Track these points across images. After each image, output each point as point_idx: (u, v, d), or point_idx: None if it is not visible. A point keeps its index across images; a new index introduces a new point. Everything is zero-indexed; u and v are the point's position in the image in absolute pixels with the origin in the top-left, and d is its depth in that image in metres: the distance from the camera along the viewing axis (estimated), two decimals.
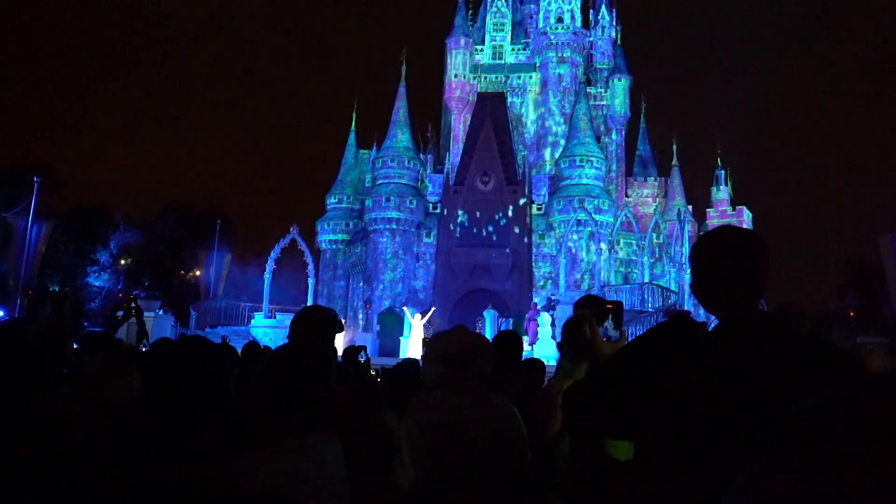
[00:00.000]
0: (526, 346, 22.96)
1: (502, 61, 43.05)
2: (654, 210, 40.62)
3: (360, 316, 37.46)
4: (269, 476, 2.09)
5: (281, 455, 2.18)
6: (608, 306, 2.63)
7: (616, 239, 35.19)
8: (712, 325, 1.92)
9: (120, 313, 23.02)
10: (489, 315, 30.50)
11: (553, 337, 23.13)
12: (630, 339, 2.26)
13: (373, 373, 8.01)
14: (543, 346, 22.60)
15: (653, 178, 43.36)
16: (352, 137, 43.27)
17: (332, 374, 2.40)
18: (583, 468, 2.14)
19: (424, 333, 28.23)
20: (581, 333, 2.56)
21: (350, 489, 2.41)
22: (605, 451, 2.36)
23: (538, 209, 37.13)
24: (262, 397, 2.34)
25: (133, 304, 21.49)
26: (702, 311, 28.86)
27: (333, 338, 3.79)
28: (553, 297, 26.79)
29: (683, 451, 1.62)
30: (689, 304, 31.38)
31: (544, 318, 23.53)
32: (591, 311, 2.61)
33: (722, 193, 42.23)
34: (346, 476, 2.37)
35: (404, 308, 31.35)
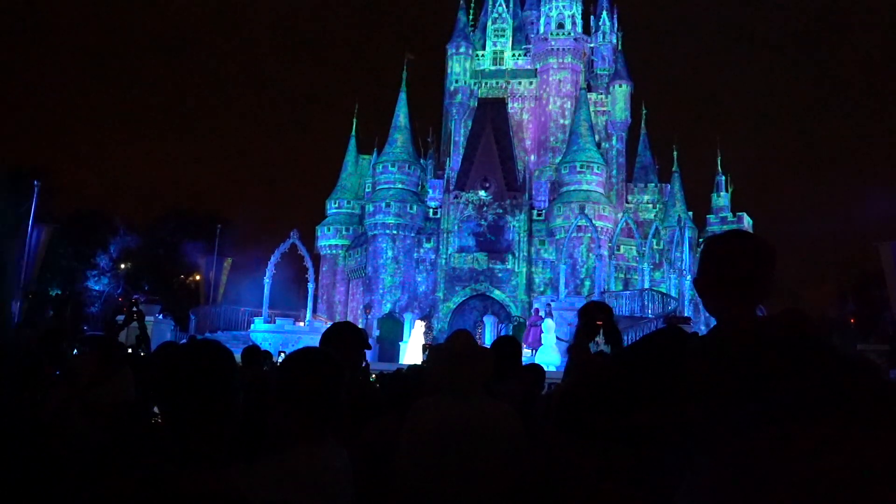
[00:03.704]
0: (526, 352, 22.95)
1: (503, 67, 43.09)
2: (655, 216, 40.63)
3: (361, 321, 37.45)
4: (274, 483, 2.07)
5: (288, 462, 2.16)
6: (598, 323, 2.66)
7: (616, 245, 35.18)
8: (710, 328, 1.95)
9: (121, 318, 22.95)
10: (489, 321, 30.48)
11: (558, 340, 23.07)
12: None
13: (372, 377, 7.99)
14: (545, 353, 22.55)
15: (653, 185, 43.34)
16: (352, 142, 43.28)
17: (343, 383, 2.39)
18: (571, 474, 2.13)
19: (424, 339, 28.24)
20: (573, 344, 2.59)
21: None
22: (595, 457, 2.35)
23: (538, 215, 37.12)
24: (275, 403, 2.33)
25: (135, 308, 21.41)
26: (702, 318, 28.81)
27: (362, 353, 3.86)
28: (551, 304, 26.77)
29: (674, 456, 1.62)
30: (688, 310, 31.38)
31: (548, 325, 23.50)
32: (582, 322, 2.63)
33: (722, 200, 42.23)
34: (352, 485, 2.36)
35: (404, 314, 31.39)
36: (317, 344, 3.48)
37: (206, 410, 2.00)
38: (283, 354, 14.51)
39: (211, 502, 1.86)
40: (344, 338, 3.73)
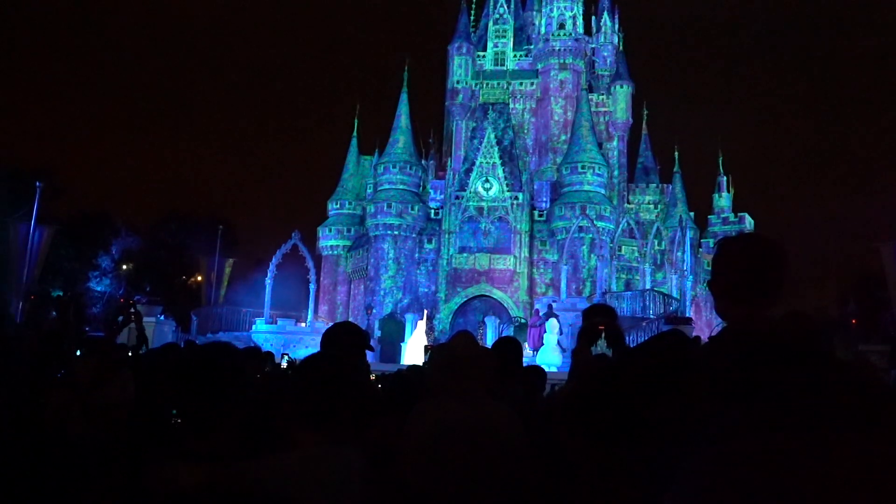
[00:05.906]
0: (528, 353, 22.92)
1: (504, 67, 43.11)
2: (656, 217, 40.62)
3: (362, 322, 37.42)
4: (282, 480, 2.11)
5: (298, 461, 2.20)
6: (600, 327, 2.68)
7: (618, 245, 35.16)
8: (717, 329, 1.96)
9: (121, 318, 22.97)
10: (491, 321, 30.45)
11: (558, 344, 23.04)
12: (630, 346, 2.28)
13: (372, 377, 7.98)
14: (546, 354, 22.52)
15: (654, 185, 43.35)
16: (353, 143, 43.27)
17: (360, 386, 2.43)
18: (575, 474, 2.14)
19: (426, 340, 28.24)
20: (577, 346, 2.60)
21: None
22: (600, 457, 2.36)
23: (540, 215, 37.11)
24: (290, 404, 2.37)
25: (133, 309, 21.45)
26: (703, 318, 28.81)
27: (363, 354, 3.82)
28: (552, 304, 26.74)
29: (677, 458, 1.62)
30: (690, 310, 31.35)
31: (552, 324, 23.47)
32: (587, 324, 2.65)
33: (724, 200, 42.23)
34: (359, 489, 2.38)
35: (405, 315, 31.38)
36: (317, 344, 3.51)
37: (217, 408, 2.05)
38: (285, 357, 14.53)
39: (220, 495, 1.89)
40: (343, 339, 3.70)
